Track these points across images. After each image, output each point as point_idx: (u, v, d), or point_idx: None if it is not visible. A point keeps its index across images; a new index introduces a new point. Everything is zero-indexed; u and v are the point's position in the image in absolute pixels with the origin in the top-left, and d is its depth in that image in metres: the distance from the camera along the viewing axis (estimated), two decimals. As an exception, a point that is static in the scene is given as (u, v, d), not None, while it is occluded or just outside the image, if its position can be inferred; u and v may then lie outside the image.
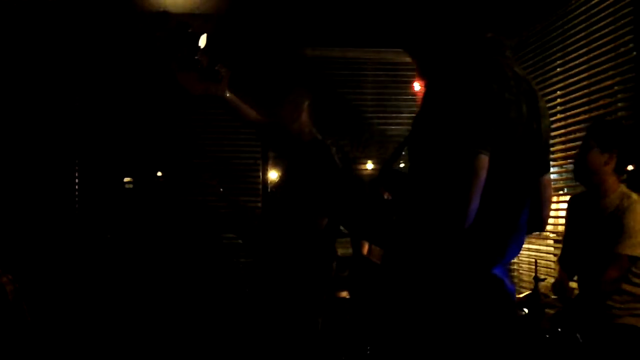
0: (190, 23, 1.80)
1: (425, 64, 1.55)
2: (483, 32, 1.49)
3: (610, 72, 3.48)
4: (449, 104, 1.33)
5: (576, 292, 3.06)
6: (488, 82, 1.34)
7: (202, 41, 1.83)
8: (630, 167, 2.94)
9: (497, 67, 1.40)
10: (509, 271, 1.53)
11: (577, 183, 3.77)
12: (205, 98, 1.95)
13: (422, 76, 1.57)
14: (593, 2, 3.63)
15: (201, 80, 1.89)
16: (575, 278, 3.07)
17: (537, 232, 4.15)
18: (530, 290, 3.00)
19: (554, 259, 3.85)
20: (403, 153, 1.57)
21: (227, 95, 2.05)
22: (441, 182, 1.31)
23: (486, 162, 1.31)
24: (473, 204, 1.29)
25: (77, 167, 4.70)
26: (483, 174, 1.31)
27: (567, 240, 3.10)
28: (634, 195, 2.77)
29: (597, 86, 3.60)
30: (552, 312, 2.97)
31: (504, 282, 1.45)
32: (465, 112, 1.31)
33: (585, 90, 3.72)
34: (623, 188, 2.81)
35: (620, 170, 2.82)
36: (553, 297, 3.08)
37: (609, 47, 3.48)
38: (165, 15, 1.81)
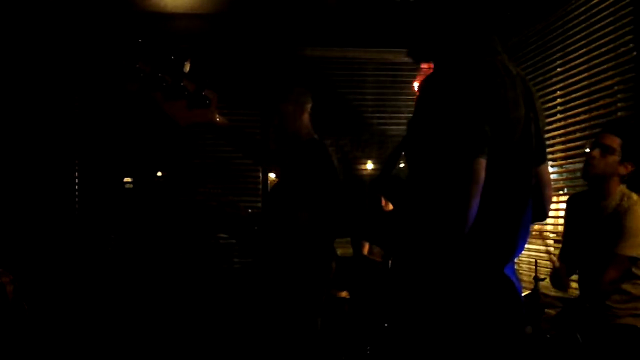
0: (172, 49, 1.71)
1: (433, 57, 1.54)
2: (477, 32, 1.49)
3: (610, 72, 3.48)
4: (445, 107, 1.34)
5: (576, 292, 3.06)
6: (484, 84, 1.35)
7: (187, 67, 1.74)
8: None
9: (492, 68, 1.40)
10: (515, 269, 1.53)
11: (577, 183, 3.77)
12: (196, 126, 1.86)
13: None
14: (593, 2, 3.63)
15: (189, 107, 1.80)
16: (576, 278, 3.07)
17: (537, 233, 4.15)
18: (530, 290, 3.00)
19: (554, 259, 3.85)
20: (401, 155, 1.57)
21: (217, 119, 1.96)
22: (441, 188, 1.32)
23: (484, 166, 1.32)
24: (472, 209, 1.30)
25: (77, 167, 4.70)
26: (481, 179, 1.31)
27: (567, 239, 3.09)
28: (634, 196, 2.77)
29: (597, 86, 3.60)
30: (552, 312, 2.97)
31: (514, 282, 1.46)
32: (462, 117, 1.31)
33: (585, 90, 3.72)
34: (623, 188, 2.81)
35: (629, 179, 2.80)
36: (553, 294, 3.08)
37: (609, 47, 3.47)
38: (145, 44, 1.70)
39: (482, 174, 1.31)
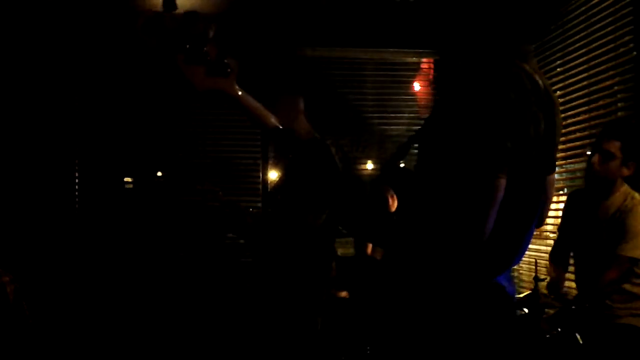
0: (197, 12, 1.68)
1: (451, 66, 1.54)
2: (504, 39, 1.48)
3: (610, 72, 3.48)
4: (468, 118, 1.33)
5: (574, 292, 3.06)
6: (508, 98, 1.34)
7: (211, 32, 1.72)
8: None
9: (518, 81, 1.38)
10: (510, 273, 1.53)
11: (577, 183, 3.77)
12: (212, 94, 1.83)
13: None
14: (593, 2, 3.63)
15: (209, 74, 1.76)
16: (573, 278, 3.07)
17: (537, 233, 4.15)
18: (530, 290, 3.00)
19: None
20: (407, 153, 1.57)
21: (236, 91, 1.91)
22: (459, 201, 1.32)
23: (504, 185, 1.32)
24: (489, 225, 1.31)
25: (77, 167, 4.70)
26: (500, 198, 1.32)
27: (563, 234, 3.08)
28: (637, 196, 2.75)
29: (597, 86, 3.60)
30: (552, 312, 2.97)
31: (505, 287, 1.46)
32: (485, 131, 1.31)
33: (585, 90, 3.72)
34: (627, 188, 2.79)
35: (632, 179, 2.79)
36: (552, 296, 3.09)
37: (609, 47, 3.48)
38: (171, 5, 1.68)
39: (501, 194, 1.32)
